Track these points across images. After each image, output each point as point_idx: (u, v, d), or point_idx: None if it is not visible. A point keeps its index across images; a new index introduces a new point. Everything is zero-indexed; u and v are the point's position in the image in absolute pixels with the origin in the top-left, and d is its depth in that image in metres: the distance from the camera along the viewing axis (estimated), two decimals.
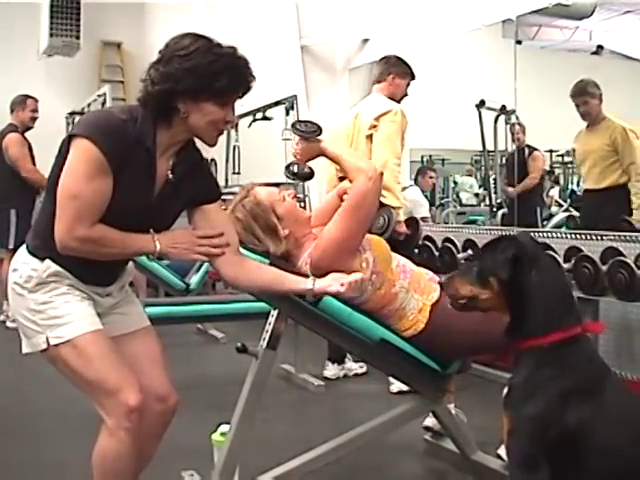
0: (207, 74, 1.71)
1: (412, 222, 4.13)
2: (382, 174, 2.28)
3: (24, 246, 1.84)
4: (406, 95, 3.93)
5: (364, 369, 3.95)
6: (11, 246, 5.16)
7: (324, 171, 3.77)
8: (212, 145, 1.87)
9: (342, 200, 2.34)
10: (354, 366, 3.97)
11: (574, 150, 4.50)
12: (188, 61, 1.70)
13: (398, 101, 3.84)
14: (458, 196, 7.11)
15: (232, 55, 1.76)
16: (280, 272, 2.00)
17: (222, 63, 1.73)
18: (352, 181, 2.25)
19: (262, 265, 2.04)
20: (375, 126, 3.63)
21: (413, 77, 3.92)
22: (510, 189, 5.10)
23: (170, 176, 1.82)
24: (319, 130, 2.29)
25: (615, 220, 3.82)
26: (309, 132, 2.28)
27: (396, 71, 3.85)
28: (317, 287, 1.97)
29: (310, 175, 2.41)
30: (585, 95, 4.04)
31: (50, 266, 1.77)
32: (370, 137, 3.65)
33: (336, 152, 2.34)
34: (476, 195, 6.28)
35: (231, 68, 1.74)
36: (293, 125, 2.32)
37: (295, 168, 2.36)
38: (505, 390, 1.71)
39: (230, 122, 1.82)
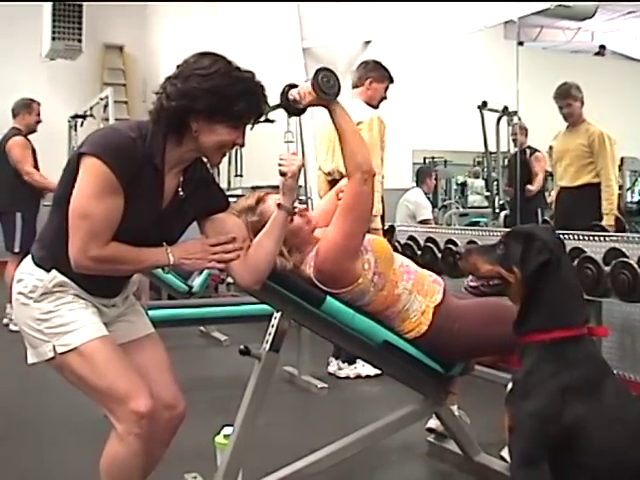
0: (225, 96, 1.72)
1: (389, 229, 4.14)
2: (374, 175, 2.21)
3: (29, 257, 1.84)
4: (385, 99, 3.94)
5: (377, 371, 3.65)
6: (16, 250, 5.16)
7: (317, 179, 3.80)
8: (216, 165, 1.88)
9: (339, 199, 2.33)
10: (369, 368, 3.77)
11: (551, 148, 4.57)
12: (208, 81, 1.71)
13: (376, 105, 3.86)
14: (462, 197, 7.09)
15: (251, 80, 1.78)
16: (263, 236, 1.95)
17: (241, 87, 1.74)
18: (347, 169, 2.20)
19: (253, 247, 1.94)
20: None
21: (391, 81, 3.94)
22: (510, 189, 5.16)
23: (181, 193, 1.83)
24: (338, 91, 2.11)
25: (587, 221, 3.90)
26: (328, 88, 2.08)
27: (374, 75, 3.89)
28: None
29: (301, 111, 2.23)
30: (568, 98, 4.16)
31: (56, 276, 1.77)
32: None
33: (343, 123, 2.17)
34: (487, 198, 6.26)
35: (249, 93, 1.76)
36: (316, 74, 2.07)
37: (290, 94, 2.17)
38: (509, 386, 1.73)
39: (238, 145, 1.83)
